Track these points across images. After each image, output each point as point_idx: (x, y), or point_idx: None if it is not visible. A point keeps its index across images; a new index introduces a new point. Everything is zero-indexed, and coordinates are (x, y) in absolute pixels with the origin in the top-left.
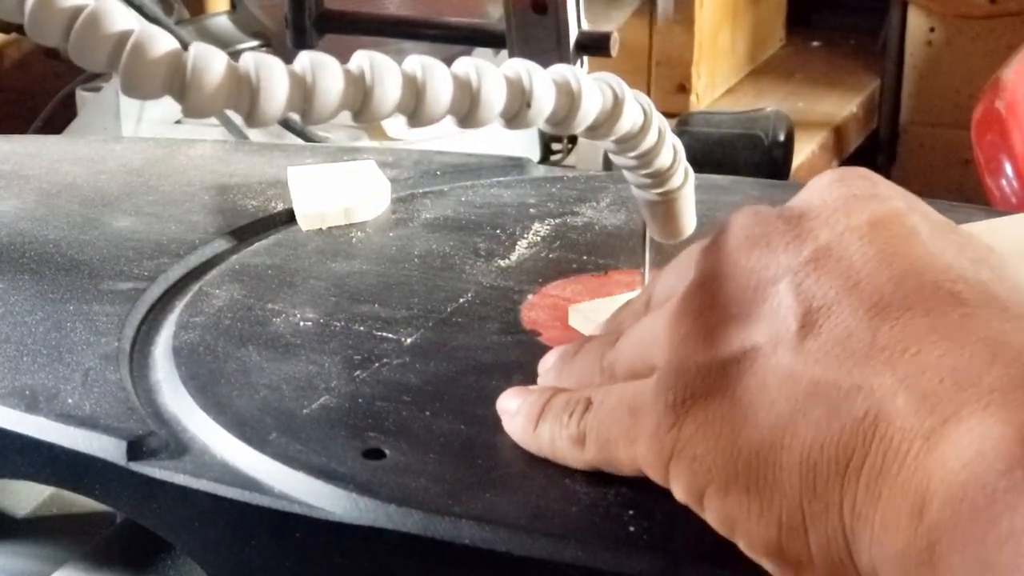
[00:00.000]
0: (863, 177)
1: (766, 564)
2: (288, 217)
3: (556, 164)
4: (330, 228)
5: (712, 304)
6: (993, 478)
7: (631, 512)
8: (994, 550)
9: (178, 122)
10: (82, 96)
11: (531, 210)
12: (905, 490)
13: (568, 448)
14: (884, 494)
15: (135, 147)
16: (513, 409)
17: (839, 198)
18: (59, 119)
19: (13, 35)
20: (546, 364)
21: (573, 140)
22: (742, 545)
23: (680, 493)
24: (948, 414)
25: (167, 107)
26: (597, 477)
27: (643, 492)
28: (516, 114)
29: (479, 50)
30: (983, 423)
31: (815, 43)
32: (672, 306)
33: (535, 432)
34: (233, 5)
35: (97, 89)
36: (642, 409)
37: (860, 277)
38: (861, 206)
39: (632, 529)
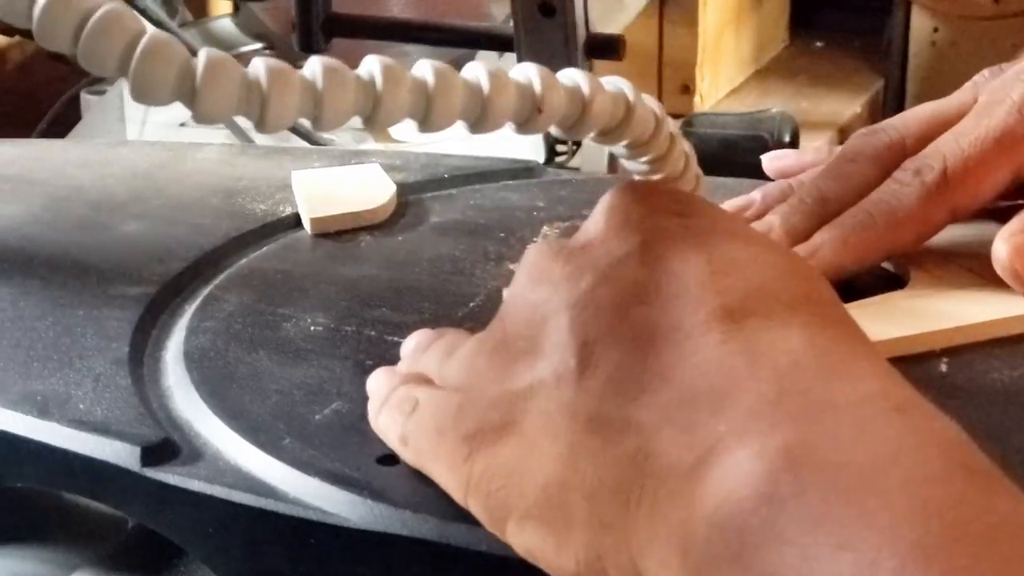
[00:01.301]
0: (638, 198)
1: None
2: (296, 221)
3: (561, 166)
4: (339, 232)
5: (504, 339)
6: (743, 518)
7: None
8: None
9: (183, 125)
10: (86, 99)
11: (540, 213)
12: (674, 529)
13: (396, 445)
14: (660, 532)
15: (141, 151)
16: (374, 390)
17: (614, 226)
18: (63, 122)
19: (16, 38)
20: (407, 346)
21: (578, 142)
22: (548, 572)
23: (483, 523)
24: (705, 449)
25: (172, 111)
26: None
27: None
28: (527, 119)
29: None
30: (736, 457)
31: (819, 44)
32: (474, 338)
33: (377, 420)
34: (236, 8)
35: (101, 92)
36: (443, 434)
37: (629, 307)
38: (634, 232)
39: None
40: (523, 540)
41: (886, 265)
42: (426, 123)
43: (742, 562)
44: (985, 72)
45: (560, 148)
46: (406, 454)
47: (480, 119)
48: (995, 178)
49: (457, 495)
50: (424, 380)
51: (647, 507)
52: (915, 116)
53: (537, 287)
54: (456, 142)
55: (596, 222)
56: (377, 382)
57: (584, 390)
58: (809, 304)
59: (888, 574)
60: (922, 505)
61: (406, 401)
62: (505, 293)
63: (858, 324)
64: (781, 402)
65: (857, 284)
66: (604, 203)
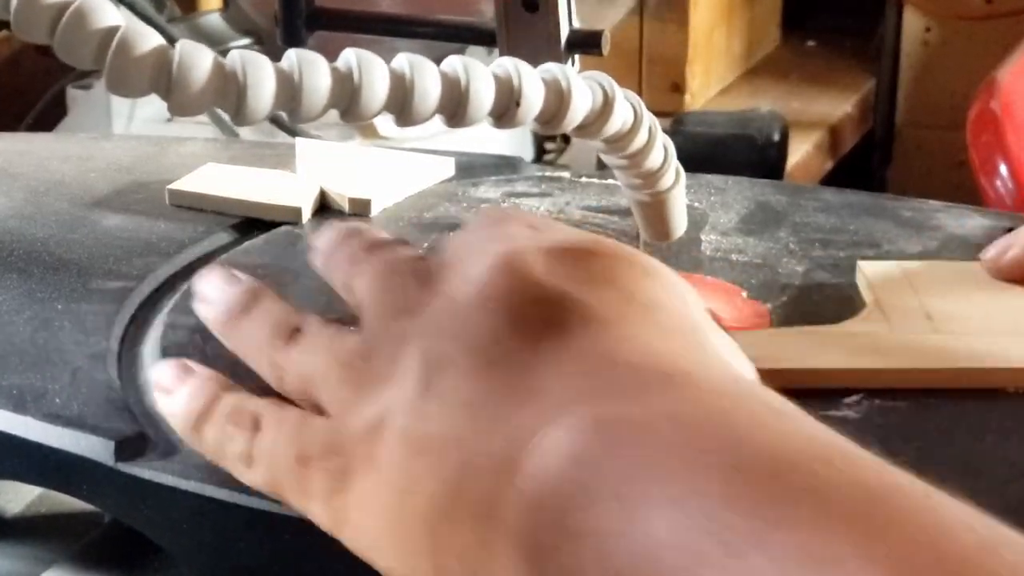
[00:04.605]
0: (494, 220)
1: None
2: (279, 214)
3: (549, 164)
4: (320, 227)
5: (365, 367)
6: (559, 486)
7: None
8: (580, 560)
9: (169, 120)
10: (73, 94)
11: (524, 210)
12: (504, 528)
13: (235, 465)
14: (491, 538)
15: (125, 145)
16: (173, 391)
17: (467, 248)
18: (50, 117)
19: (3, 32)
20: (206, 293)
21: (567, 139)
22: None
23: (357, 552)
24: (513, 439)
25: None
26: None
27: None
28: (505, 113)
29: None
30: (546, 438)
31: (810, 43)
32: (343, 358)
33: (198, 434)
34: (225, 3)
35: (88, 87)
36: (310, 464)
37: (467, 330)
38: (483, 253)
39: None
40: (395, 571)
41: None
42: (403, 116)
43: (567, 529)
44: None
45: (548, 146)
46: (251, 476)
47: (458, 112)
48: None
49: (329, 528)
50: (228, 384)
51: (471, 520)
52: None
53: (398, 316)
54: (443, 139)
55: (452, 245)
56: (175, 381)
57: (419, 414)
58: (636, 308)
59: (706, 508)
60: (735, 445)
61: (243, 416)
62: (363, 298)
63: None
64: (585, 387)
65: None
66: (464, 228)
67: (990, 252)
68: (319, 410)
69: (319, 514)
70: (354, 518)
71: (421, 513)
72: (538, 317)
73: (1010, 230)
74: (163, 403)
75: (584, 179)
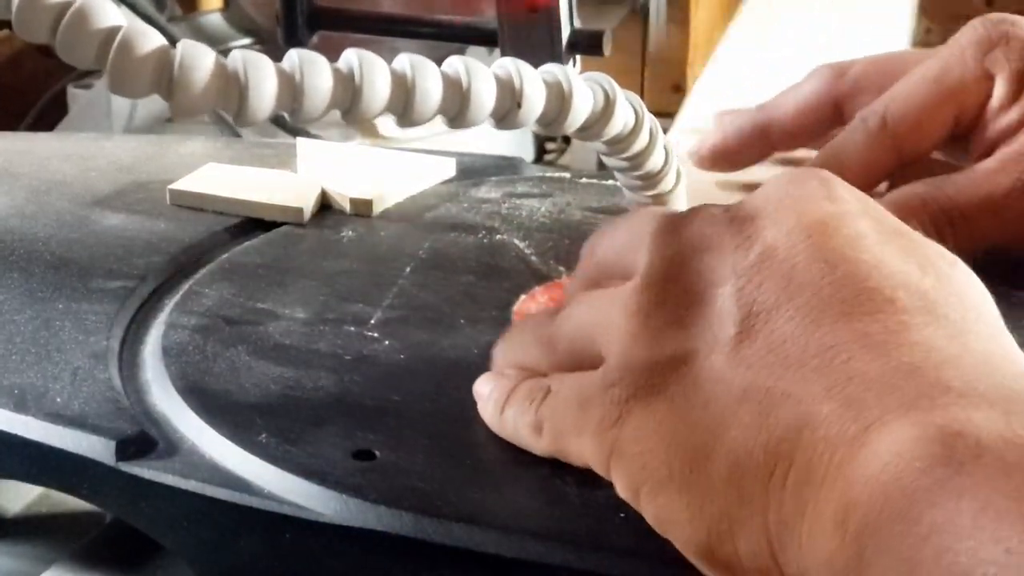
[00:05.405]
0: (819, 178)
1: (698, 565)
2: (280, 214)
3: (550, 164)
4: (321, 227)
5: (660, 303)
6: (912, 477)
7: (621, 515)
8: (917, 548)
9: (170, 120)
10: (73, 93)
11: (524, 210)
12: (829, 498)
13: (528, 435)
14: (810, 503)
15: (126, 145)
16: (485, 394)
17: (790, 197)
18: (51, 116)
19: (4, 32)
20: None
21: (567, 140)
22: (677, 545)
23: (620, 489)
24: (870, 420)
25: (159, 105)
26: (588, 479)
27: None
28: (506, 114)
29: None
30: (902, 427)
31: None
32: (623, 299)
33: (502, 417)
34: (226, 2)
35: (89, 87)
36: (589, 402)
37: (801, 281)
38: (812, 207)
39: (622, 532)
40: (656, 507)
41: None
42: (405, 116)
43: (909, 518)
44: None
45: (549, 146)
46: (540, 442)
47: (459, 113)
48: (936, 120)
49: (599, 462)
50: (532, 375)
51: (795, 478)
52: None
53: (701, 255)
54: (444, 139)
55: (768, 193)
56: (489, 384)
57: (740, 360)
58: (970, 312)
59: None
60: None
61: (536, 391)
62: (648, 257)
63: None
64: (951, 388)
65: None
66: (780, 177)
67: (691, 147)
68: None
69: (591, 447)
70: (628, 449)
71: (720, 454)
72: (876, 290)
73: None
74: (480, 408)
75: (584, 180)
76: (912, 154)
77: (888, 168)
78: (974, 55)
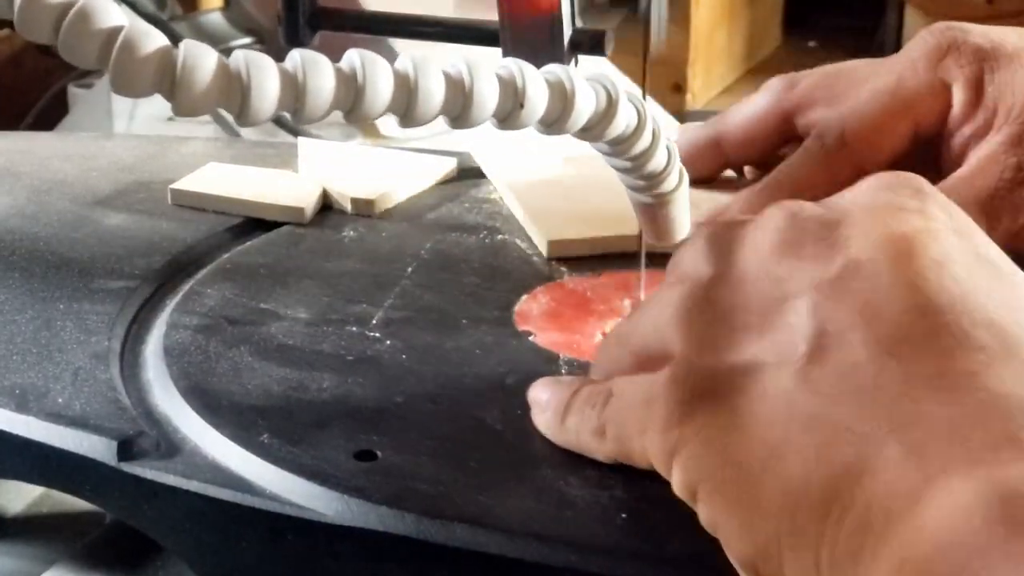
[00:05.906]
0: (913, 188)
1: (739, 570)
2: (281, 214)
3: None
4: (323, 227)
5: (732, 305)
6: (971, 536)
7: (624, 516)
8: None
9: (170, 119)
10: (74, 93)
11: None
12: (886, 552)
13: (591, 440)
14: (867, 551)
15: (127, 144)
16: (543, 401)
17: (881, 207)
18: (51, 116)
19: (5, 31)
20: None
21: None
22: (723, 547)
23: (676, 486)
24: (933, 472)
25: (160, 104)
26: (591, 480)
27: (637, 496)
28: (509, 115)
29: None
30: (965, 482)
31: (811, 43)
32: (692, 296)
33: (563, 425)
34: (227, 2)
35: (89, 86)
36: (655, 400)
37: (880, 306)
38: (901, 220)
39: (625, 533)
40: (709, 509)
41: None
42: (407, 117)
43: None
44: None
45: None
46: (604, 445)
47: (462, 114)
48: (895, 134)
49: (662, 459)
50: (589, 380)
51: (851, 525)
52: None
53: (781, 259)
54: (445, 139)
55: (859, 197)
56: (547, 391)
57: (808, 382)
58: None
59: None
60: None
61: (597, 395)
62: (729, 256)
63: None
64: (1018, 440)
65: None
66: (874, 180)
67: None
68: None
69: (655, 444)
70: (688, 451)
71: (778, 478)
72: (956, 325)
73: None
74: (536, 416)
75: None
76: (871, 167)
77: (848, 182)
78: (926, 66)
